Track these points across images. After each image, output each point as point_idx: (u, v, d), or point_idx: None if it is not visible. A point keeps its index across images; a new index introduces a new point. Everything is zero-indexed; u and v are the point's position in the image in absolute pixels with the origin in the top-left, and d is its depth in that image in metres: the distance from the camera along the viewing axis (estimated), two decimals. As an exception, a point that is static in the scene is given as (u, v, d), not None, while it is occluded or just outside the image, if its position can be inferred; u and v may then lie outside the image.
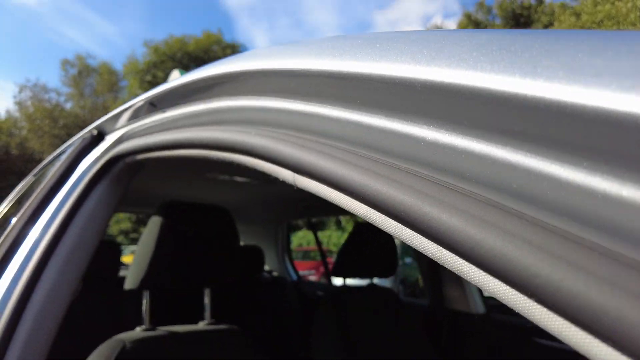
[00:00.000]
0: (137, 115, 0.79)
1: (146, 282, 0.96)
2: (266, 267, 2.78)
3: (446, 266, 0.25)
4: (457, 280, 1.93)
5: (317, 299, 2.45)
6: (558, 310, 0.19)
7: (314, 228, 2.79)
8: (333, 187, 0.33)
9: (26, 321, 0.65)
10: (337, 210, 2.26)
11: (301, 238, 13.37)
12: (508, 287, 0.22)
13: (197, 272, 1.03)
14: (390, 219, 0.29)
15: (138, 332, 0.99)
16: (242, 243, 2.70)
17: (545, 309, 0.20)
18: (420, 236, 0.27)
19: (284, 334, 2.44)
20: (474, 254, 0.22)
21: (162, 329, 1.02)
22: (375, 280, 1.80)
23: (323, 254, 2.88)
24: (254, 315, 2.36)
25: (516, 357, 1.73)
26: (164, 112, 0.66)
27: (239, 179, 1.66)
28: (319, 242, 2.87)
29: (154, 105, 0.70)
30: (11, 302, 0.65)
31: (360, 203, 0.31)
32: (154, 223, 0.98)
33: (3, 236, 0.84)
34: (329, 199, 0.34)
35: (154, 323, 1.02)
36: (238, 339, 1.10)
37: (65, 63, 23.91)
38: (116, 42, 48.47)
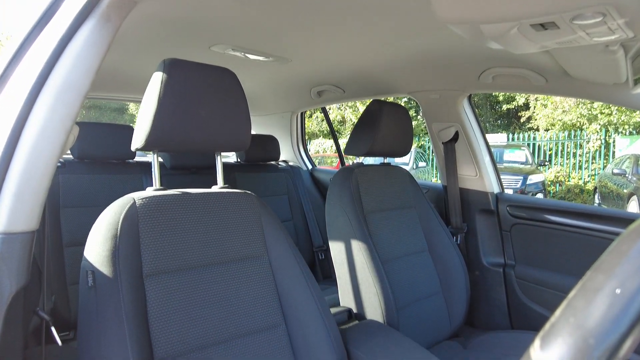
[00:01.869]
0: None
1: (152, 142, 0.94)
2: (282, 158, 2.80)
3: None
4: (472, 163, 1.89)
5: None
6: None
7: (325, 111, 2.74)
8: None
9: (18, 160, 0.64)
10: (351, 95, 2.17)
11: (318, 145, 13.43)
12: None
13: (205, 135, 1.00)
14: None
15: (149, 191, 1.00)
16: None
17: None
18: None
19: (300, 217, 2.53)
20: None
21: (174, 190, 1.03)
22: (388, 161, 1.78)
23: (334, 134, 2.86)
24: (269, 197, 2.43)
25: (530, 236, 1.75)
26: None
27: (250, 56, 1.56)
28: (329, 122, 2.84)
29: None
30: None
31: None
32: (156, 79, 0.93)
33: None
34: None
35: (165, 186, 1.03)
36: (252, 201, 1.12)
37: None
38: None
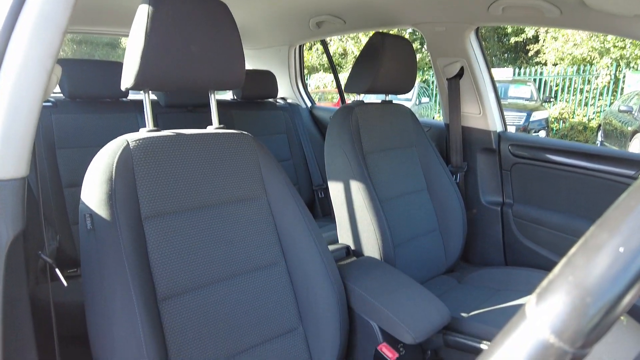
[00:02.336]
0: None
1: (142, 81, 0.90)
2: (280, 95, 2.72)
3: None
4: (476, 101, 1.84)
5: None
6: None
7: (325, 45, 2.62)
8: None
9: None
10: (352, 27, 2.05)
11: (318, 80, 13.06)
12: None
13: (197, 72, 0.95)
14: None
15: (142, 132, 0.97)
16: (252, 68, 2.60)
17: None
18: None
19: (299, 156, 2.51)
20: None
21: (168, 131, 1.01)
22: (390, 98, 1.73)
23: (334, 69, 2.76)
24: (267, 137, 2.40)
25: (530, 175, 1.75)
26: None
27: None
28: (329, 56, 2.73)
29: None
30: None
31: None
32: (141, 13, 0.86)
33: None
34: None
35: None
36: (248, 142, 1.09)
37: None
38: None
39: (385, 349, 1.06)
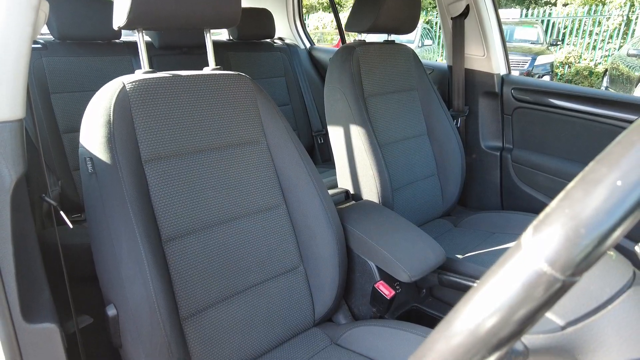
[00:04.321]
0: None
1: (135, 19, 0.86)
2: (277, 35, 2.62)
3: None
4: (481, 42, 1.77)
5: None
6: None
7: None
8: None
9: None
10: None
11: (317, 20, 12.51)
12: None
13: (191, 9, 0.91)
14: None
15: (138, 74, 0.95)
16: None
17: None
18: None
19: (298, 100, 2.47)
20: None
21: (164, 72, 0.98)
22: (393, 37, 1.67)
23: (334, 7, 2.64)
24: (265, 80, 2.34)
25: (532, 120, 1.73)
26: None
27: None
28: None
29: None
30: None
31: None
32: None
33: None
34: None
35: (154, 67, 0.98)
36: (246, 84, 1.07)
37: None
38: None
39: (382, 287, 1.10)
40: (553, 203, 0.23)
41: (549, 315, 0.34)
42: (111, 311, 0.79)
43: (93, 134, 0.84)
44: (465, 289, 1.25)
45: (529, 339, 0.32)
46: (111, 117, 0.85)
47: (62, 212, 0.81)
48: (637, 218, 0.21)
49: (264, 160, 1.08)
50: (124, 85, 0.89)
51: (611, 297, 0.35)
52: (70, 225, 0.79)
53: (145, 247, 0.80)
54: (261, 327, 0.99)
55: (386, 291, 1.10)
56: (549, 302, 0.22)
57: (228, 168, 1.01)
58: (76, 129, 1.71)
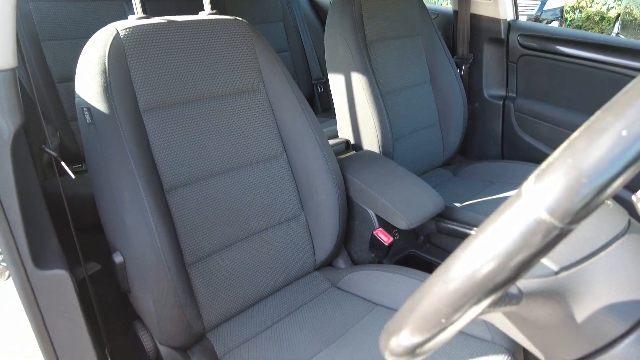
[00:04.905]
0: None
1: None
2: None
3: None
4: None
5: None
6: None
7: None
8: None
9: None
10: None
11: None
12: None
13: None
14: None
15: (131, 19, 0.92)
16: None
17: None
18: None
19: (297, 47, 2.39)
20: None
21: (158, 18, 0.95)
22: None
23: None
24: (263, 25, 2.26)
25: (537, 68, 1.68)
26: None
27: None
28: None
29: None
30: None
31: None
32: None
33: None
34: None
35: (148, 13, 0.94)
36: (243, 29, 1.03)
37: None
38: None
39: (381, 234, 1.13)
40: (556, 152, 0.23)
41: (543, 260, 0.35)
42: (118, 258, 0.81)
43: (88, 84, 0.82)
44: (462, 236, 1.28)
45: (523, 283, 0.34)
46: (106, 66, 0.83)
47: (63, 163, 0.81)
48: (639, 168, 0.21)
49: (263, 109, 1.07)
50: (118, 32, 0.86)
51: (605, 244, 0.36)
52: (73, 176, 0.80)
53: (147, 196, 0.81)
54: (264, 271, 1.03)
55: (385, 238, 1.12)
56: (545, 249, 0.23)
57: (227, 117, 1.00)
58: (71, 78, 1.67)
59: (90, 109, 0.81)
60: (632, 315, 0.33)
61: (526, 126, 1.74)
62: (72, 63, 1.67)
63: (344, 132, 1.58)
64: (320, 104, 2.52)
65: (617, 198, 1.36)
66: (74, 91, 0.85)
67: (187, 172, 0.93)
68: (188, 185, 0.93)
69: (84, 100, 0.82)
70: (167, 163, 0.91)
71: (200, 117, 0.96)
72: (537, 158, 1.70)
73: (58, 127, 1.65)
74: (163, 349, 0.87)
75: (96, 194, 0.85)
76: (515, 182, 1.48)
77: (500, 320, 0.40)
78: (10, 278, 0.61)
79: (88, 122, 0.81)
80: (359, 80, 1.42)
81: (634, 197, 0.38)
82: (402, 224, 1.09)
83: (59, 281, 0.65)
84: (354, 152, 1.49)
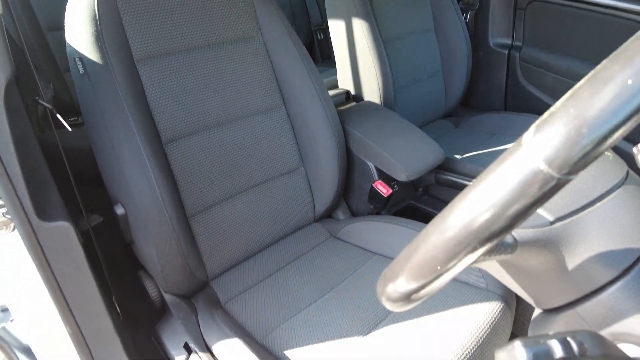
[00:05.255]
0: None
1: None
2: None
3: None
4: None
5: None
6: None
7: None
8: None
9: None
10: None
11: None
12: None
13: None
14: None
15: None
16: None
17: None
18: None
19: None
20: None
21: None
22: None
23: None
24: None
25: (547, 15, 1.60)
26: None
27: None
28: None
29: None
30: None
31: None
32: None
33: None
34: None
35: None
36: None
37: None
38: None
39: (380, 186, 1.14)
40: (559, 102, 0.22)
41: (539, 210, 0.35)
42: (119, 210, 0.82)
43: (79, 32, 0.79)
44: (461, 188, 1.29)
45: (518, 232, 0.34)
46: (96, 13, 0.79)
47: (58, 116, 0.80)
48: None
49: (261, 58, 1.03)
50: None
51: (601, 195, 0.36)
52: (69, 129, 0.79)
53: (146, 149, 0.80)
54: (265, 222, 1.04)
55: (384, 190, 1.13)
56: (542, 199, 0.23)
57: (223, 67, 0.98)
58: (60, 27, 1.61)
59: (82, 58, 0.79)
60: (621, 263, 0.34)
61: (531, 77, 1.70)
62: (61, 9, 1.60)
63: (345, 82, 1.54)
64: (320, 52, 2.44)
65: (617, 150, 1.36)
66: (65, 41, 0.82)
67: (184, 124, 0.92)
68: (186, 138, 0.93)
69: (75, 49, 0.79)
70: (164, 115, 0.89)
71: (196, 66, 0.94)
72: (540, 109, 1.68)
73: (51, 78, 1.61)
74: (168, 297, 0.91)
75: (94, 147, 0.85)
76: (517, 134, 1.47)
77: (494, 268, 0.41)
78: (16, 230, 0.62)
79: (81, 72, 0.79)
80: (360, 27, 1.37)
81: (634, 149, 0.38)
82: (402, 176, 1.10)
83: (64, 233, 0.66)
84: (354, 103, 1.46)
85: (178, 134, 0.91)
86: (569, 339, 0.26)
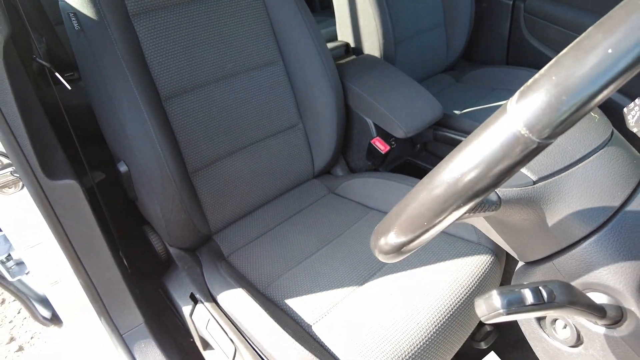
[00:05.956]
0: None
1: None
2: None
3: None
4: None
5: None
6: None
7: None
8: None
9: None
10: None
11: None
12: None
13: None
14: None
15: None
16: None
17: None
18: None
19: None
20: None
21: None
22: None
23: None
24: None
25: None
26: None
27: None
28: None
29: None
30: None
31: None
32: None
33: None
34: None
35: None
36: None
37: None
38: None
39: (378, 142, 1.15)
40: (543, 69, 0.24)
41: (523, 170, 0.37)
42: (122, 167, 0.84)
43: None
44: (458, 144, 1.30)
45: (502, 191, 0.36)
46: None
47: (57, 74, 0.80)
48: (619, 85, 0.22)
49: (258, 11, 1.01)
50: None
51: (583, 156, 0.37)
52: (69, 87, 0.79)
53: (145, 105, 0.80)
54: (265, 178, 1.07)
55: (382, 146, 1.15)
56: (523, 161, 0.24)
57: (219, 20, 0.96)
58: (48, -25, 1.54)
59: (77, 13, 0.77)
60: (596, 220, 0.36)
61: (535, 30, 1.65)
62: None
63: (344, 33, 1.50)
64: (319, 1, 2.36)
65: (616, 107, 1.35)
66: None
67: (182, 80, 0.92)
68: (184, 94, 0.93)
69: (67, 4, 0.78)
70: (161, 71, 0.89)
71: (192, 20, 0.92)
72: (542, 64, 1.64)
73: (42, 31, 1.57)
74: (173, 250, 0.95)
75: (94, 104, 0.85)
76: (517, 89, 1.45)
77: (480, 223, 0.44)
78: (25, 189, 0.64)
79: (76, 28, 0.78)
80: None
81: (625, 110, 0.39)
82: (400, 132, 1.11)
83: (71, 190, 0.69)
84: (353, 56, 1.44)
85: (176, 91, 0.91)
86: (540, 288, 0.29)
